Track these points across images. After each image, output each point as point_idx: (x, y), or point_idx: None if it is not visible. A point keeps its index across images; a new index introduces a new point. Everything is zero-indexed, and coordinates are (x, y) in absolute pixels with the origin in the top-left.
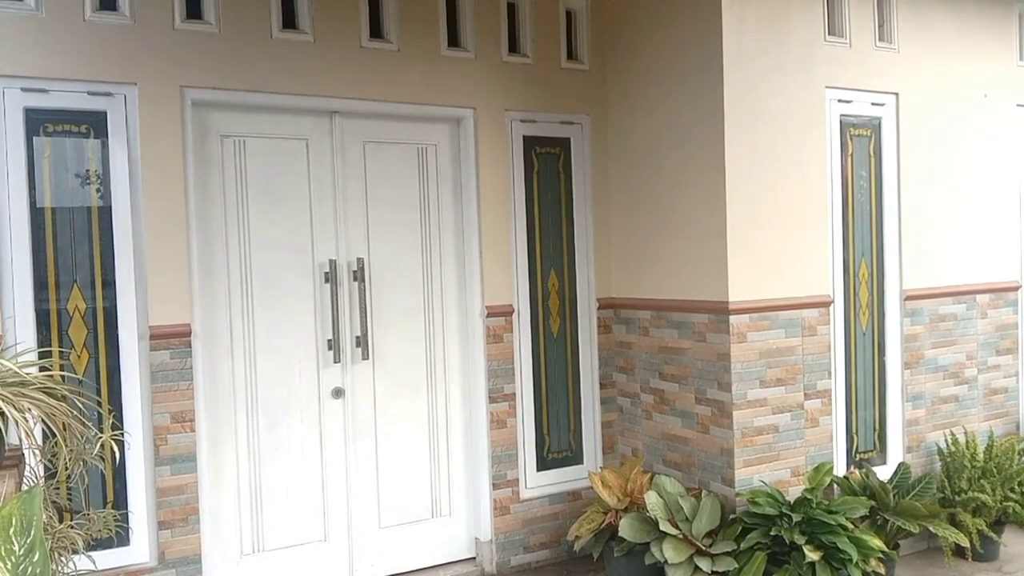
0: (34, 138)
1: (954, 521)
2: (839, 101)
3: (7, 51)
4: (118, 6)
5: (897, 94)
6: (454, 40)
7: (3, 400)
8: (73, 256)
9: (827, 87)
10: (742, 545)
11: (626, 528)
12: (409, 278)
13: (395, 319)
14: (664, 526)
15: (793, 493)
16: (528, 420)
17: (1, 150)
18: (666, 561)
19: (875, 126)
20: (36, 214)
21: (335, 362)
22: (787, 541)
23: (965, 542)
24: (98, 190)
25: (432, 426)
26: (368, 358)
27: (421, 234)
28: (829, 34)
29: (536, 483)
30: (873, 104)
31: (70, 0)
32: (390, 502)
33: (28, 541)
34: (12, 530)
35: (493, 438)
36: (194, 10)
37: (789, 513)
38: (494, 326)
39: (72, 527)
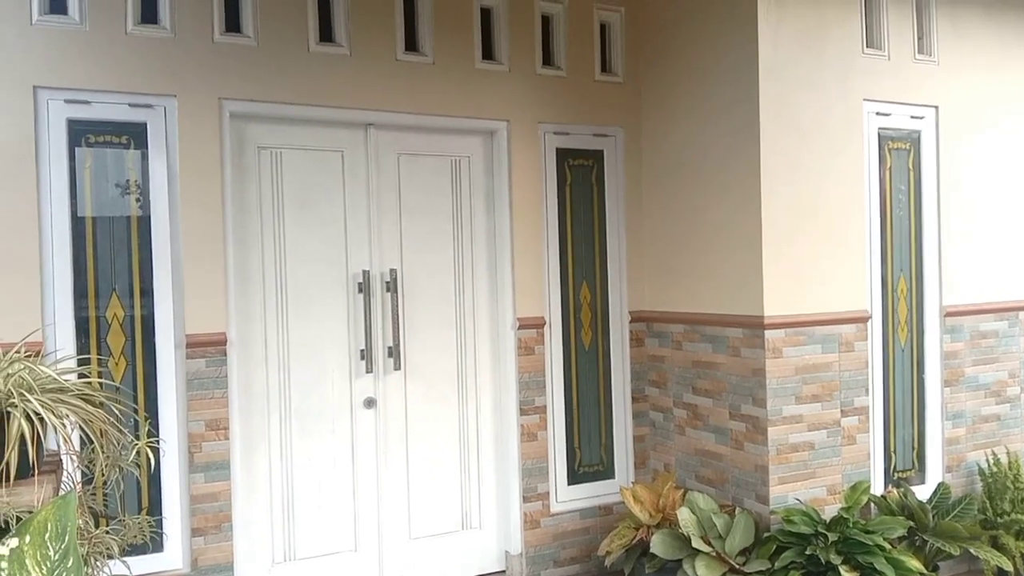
0: (76, 149)
1: (996, 544)
2: (877, 114)
3: (52, 64)
4: (159, 20)
5: (937, 107)
6: (488, 53)
7: (42, 406)
8: (112, 265)
9: (865, 100)
10: (776, 564)
11: (658, 544)
12: (441, 289)
13: (427, 330)
14: (697, 543)
15: (829, 512)
16: (559, 433)
17: (44, 160)
18: None
19: (914, 139)
20: (77, 223)
21: (367, 372)
22: (823, 561)
23: (1008, 565)
24: (137, 200)
25: (463, 437)
26: (400, 368)
27: (454, 245)
28: (867, 47)
29: (567, 497)
30: (912, 117)
31: (113, 14)
32: (420, 513)
33: (62, 546)
34: (47, 535)
35: (524, 451)
36: (233, 24)
37: (825, 532)
38: (525, 338)
39: (108, 532)
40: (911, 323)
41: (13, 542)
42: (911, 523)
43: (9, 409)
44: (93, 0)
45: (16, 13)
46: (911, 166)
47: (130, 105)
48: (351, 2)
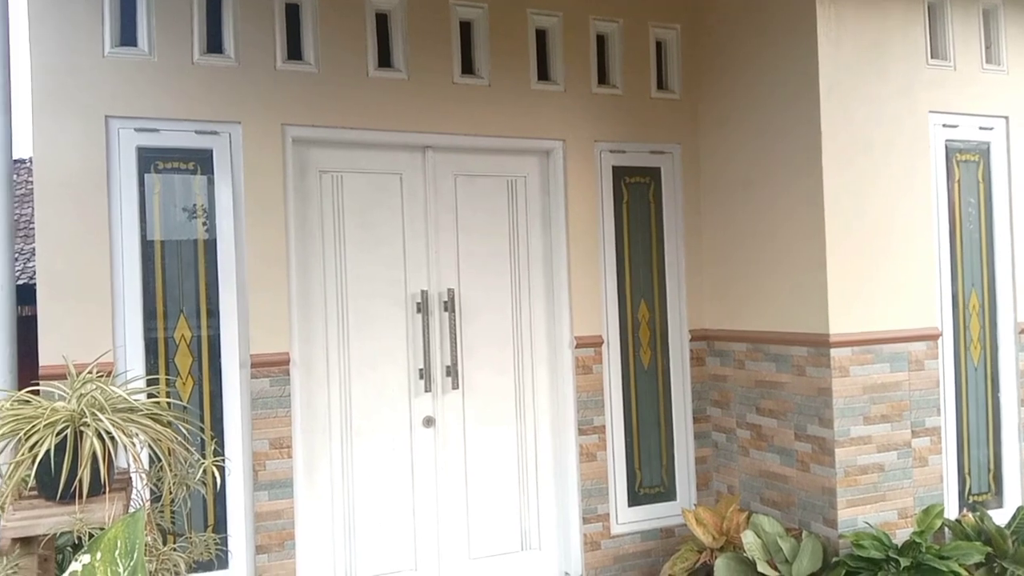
0: (145, 175)
1: None
2: (944, 126)
3: (123, 94)
4: (224, 49)
5: (1007, 117)
6: (544, 74)
7: (113, 425)
8: (180, 287)
9: (931, 112)
10: None
11: (722, 568)
12: (498, 308)
13: (484, 349)
14: (762, 567)
15: (900, 536)
16: (619, 453)
17: (115, 186)
18: None
19: (983, 151)
20: (146, 247)
21: (426, 391)
22: None
23: None
24: (204, 224)
25: (521, 457)
26: (458, 387)
27: (510, 265)
28: (932, 57)
29: (627, 519)
30: (981, 128)
31: (180, 44)
32: (479, 533)
33: (131, 564)
34: (117, 552)
35: (583, 471)
36: (295, 51)
37: (896, 557)
38: (583, 357)
39: (175, 549)
40: (984, 340)
41: (85, 558)
42: (988, 549)
43: (82, 428)
44: (161, 32)
45: (89, 47)
46: (981, 178)
47: (196, 132)
48: (409, 28)
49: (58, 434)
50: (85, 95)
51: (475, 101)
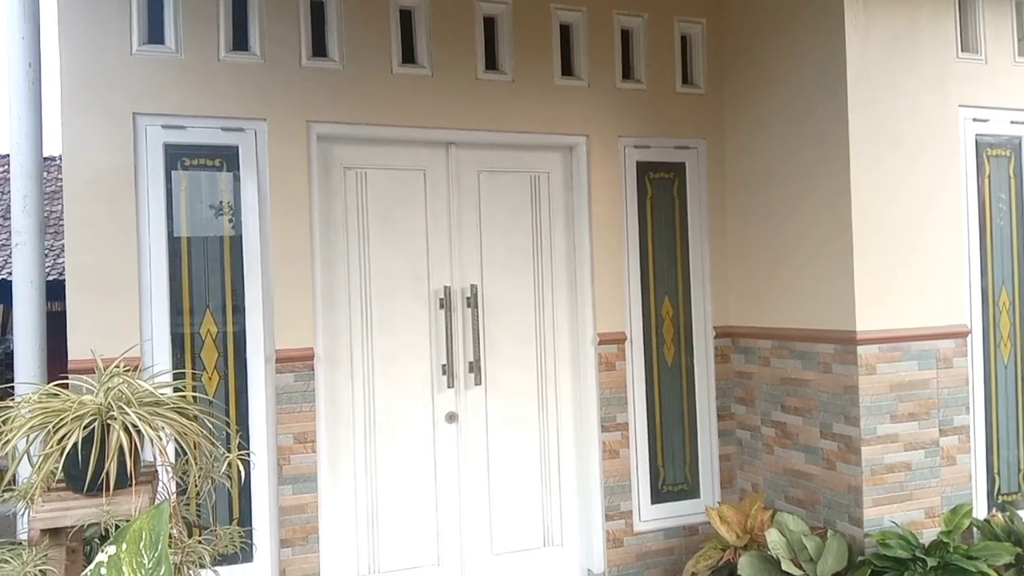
0: (172, 172)
1: None
2: (974, 120)
3: (150, 91)
4: (250, 46)
5: None
6: (567, 69)
7: (139, 419)
8: (206, 283)
9: (961, 106)
10: None
11: (746, 566)
12: (521, 304)
13: (507, 345)
14: (787, 566)
15: (927, 536)
16: (642, 451)
17: (142, 183)
18: None
19: (1015, 146)
20: (173, 243)
21: (449, 387)
22: None
23: None
24: (230, 220)
25: (543, 453)
26: (480, 383)
27: (533, 261)
28: (962, 51)
29: (650, 516)
30: (1013, 123)
31: (206, 42)
32: (502, 529)
33: (156, 555)
34: (142, 543)
35: (606, 468)
36: (319, 48)
37: (923, 557)
38: (606, 354)
39: (200, 542)
40: (1015, 338)
41: (111, 549)
42: (1018, 550)
43: (109, 421)
44: (188, 29)
45: (117, 45)
46: (1012, 173)
47: (223, 129)
48: (432, 24)
49: (85, 427)
50: (113, 93)
51: (498, 97)
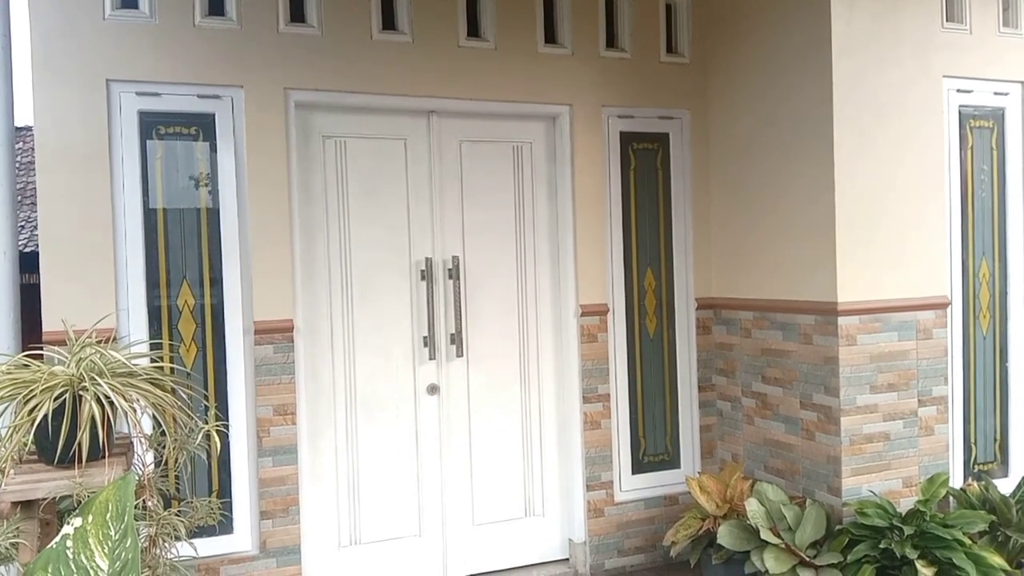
0: (147, 141)
1: None
2: (958, 91)
3: (124, 57)
4: (226, 11)
5: (1023, 83)
6: (551, 37)
7: (112, 390)
8: (184, 254)
9: (945, 76)
10: (849, 557)
11: (725, 535)
12: (503, 276)
13: (489, 317)
14: (765, 535)
15: (905, 505)
16: (623, 422)
17: (117, 152)
18: (767, 571)
19: (998, 117)
20: (149, 214)
21: (430, 359)
22: (898, 555)
23: None
24: (207, 189)
25: (525, 425)
26: (462, 355)
27: (516, 232)
28: (947, 20)
29: (631, 486)
30: (996, 94)
31: (181, 6)
32: (484, 500)
33: (122, 527)
34: (109, 515)
35: (587, 439)
36: (297, 14)
37: (900, 525)
38: (588, 325)
39: (176, 514)
40: (994, 309)
41: (77, 521)
42: (993, 518)
43: (81, 392)
44: None
45: (89, 9)
46: (994, 145)
47: (199, 96)
48: None
49: (56, 398)
50: (86, 59)
51: (481, 64)
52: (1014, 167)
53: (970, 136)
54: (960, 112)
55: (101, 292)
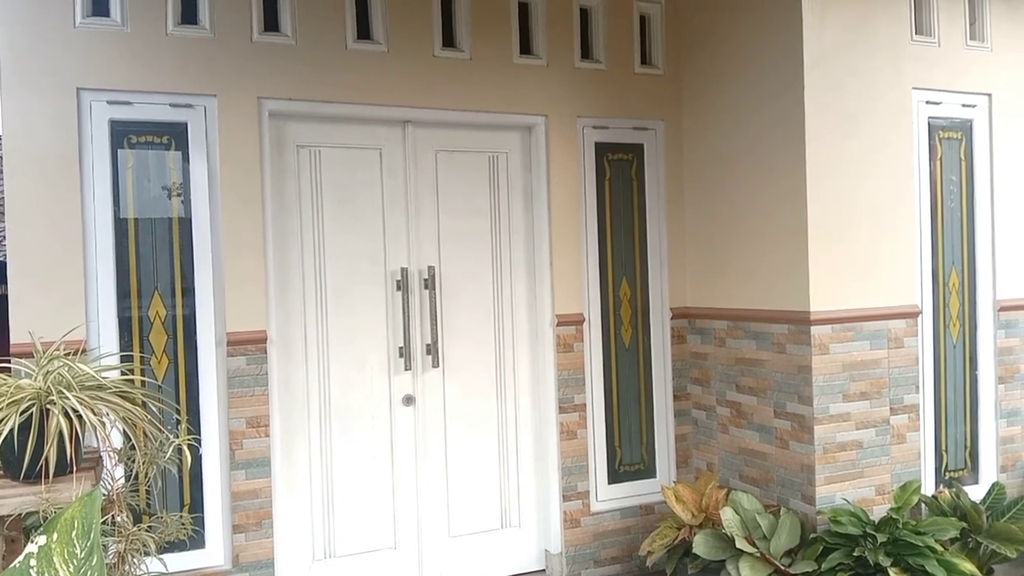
0: (118, 150)
1: None
2: (927, 103)
3: (95, 65)
4: (199, 20)
5: (990, 95)
6: (526, 47)
7: (80, 403)
8: (155, 264)
9: (914, 88)
10: (823, 566)
11: (701, 545)
12: (479, 286)
13: (465, 327)
14: (741, 543)
15: (878, 512)
16: (599, 431)
17: (87, 161)
18: None
19: (966, 128)
20: (120, 224)
21: (406, 369)
22: (871, 563)
23: None
24: (180, 198)
25: (501, 435)
26: (438, 366)
27: (492, 242)
28: (916, 33)
29: (607, 496)
30: (964, 106)
31: (154, 15)
32: (459, 511)
33: (88, 544)
34: (74, 533)
35: (563, 449)
36: (272, 23)
37: (874, 533)
38: (564, 335)
39: (147, 529)
40: (963, 318)
41: (41, 539)
42: (964, 524)
43: (48, 406)
44: (134, 1)
45: (60, 17)
46: (963, 156)
47: (171, 105)
48: None
49: (23, 412)
50: (56, 66)
51: (456, 75)
52: (982, 178)
53: (939, 147)
54: (929, 123)
55: (70, 303)
